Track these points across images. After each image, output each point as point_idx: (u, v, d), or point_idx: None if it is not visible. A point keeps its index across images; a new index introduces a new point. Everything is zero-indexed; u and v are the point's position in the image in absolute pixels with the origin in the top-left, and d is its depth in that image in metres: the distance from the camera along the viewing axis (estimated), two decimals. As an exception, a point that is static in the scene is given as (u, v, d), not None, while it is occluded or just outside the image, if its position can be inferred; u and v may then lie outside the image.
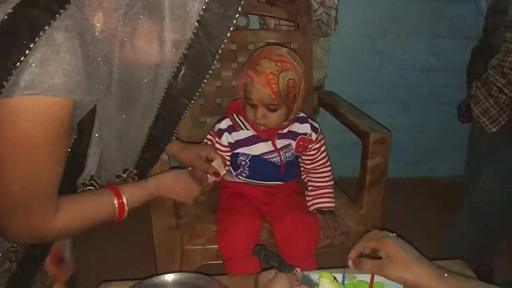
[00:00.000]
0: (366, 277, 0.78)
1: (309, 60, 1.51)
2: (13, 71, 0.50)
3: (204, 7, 0.57)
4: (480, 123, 1.43)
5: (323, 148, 1.20)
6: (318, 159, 1.20)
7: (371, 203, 1.25)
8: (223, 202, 1.17)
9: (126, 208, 0.75)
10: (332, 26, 1.60)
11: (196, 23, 0.58)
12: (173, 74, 0.63)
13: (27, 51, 0.50)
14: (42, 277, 0.83)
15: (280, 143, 1.13)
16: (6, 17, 0.51)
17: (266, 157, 1.13)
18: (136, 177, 0.83)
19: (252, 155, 1.12)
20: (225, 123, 1.14)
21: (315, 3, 1.53)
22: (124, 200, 0.74)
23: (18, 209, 0.61)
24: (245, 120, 1.11)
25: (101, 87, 0.62)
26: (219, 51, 0.61)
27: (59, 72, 0.52)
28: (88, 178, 0.75)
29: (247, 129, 1.12)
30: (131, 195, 0.76)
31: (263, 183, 1.17)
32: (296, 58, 1.05)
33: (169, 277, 0.75)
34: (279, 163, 1.14)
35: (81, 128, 0.66)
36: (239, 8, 0.59)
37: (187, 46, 0.60)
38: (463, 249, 1.44)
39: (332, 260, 1.25)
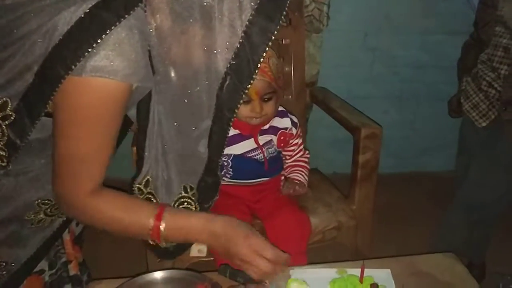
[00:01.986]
0: (357, 271, 0.79)
1: (302, 56, 1.51)
2: (81, 58, 0.62)
3: (250, 19, 0.66)
4: (470, 118, 1.43)
5: (301, 141, 1.22)
6: (296, 152, 1.22)
7: (362, 198, 1.26)
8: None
9: (161, 234, 0.71)
10: (324, 21, 1.60)
11: (243, 33, 0.66)
12: (219, 85, 0.70)
13: (94, 45, 0.62)
14: (60, 252, 0.91)
15: (262, 139, 1.13)
16: (83, 15, 0.63)
17: (249, 155, 1.13)
18: (196, 202, 0.82)
19: (234, 155, 1.12)
20: None
21: (307, -1, 1.53)
22: (162, 225, 0.70)
23: (67, 174, 0.70)
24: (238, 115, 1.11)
25: (158, 77, 0.71)
26: (261, 60, 0.68)
27: (119, 61, 0.63)
28: (144, 182, 0.78)
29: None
30: (174, 223, 0.71)
31: (249, 181, 1.16)
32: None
33: (159, 275, 0.76)
34: (263, 160, 1.14)
35: (139, 123, 0.75)
36: (280, 22, 0.67)
37: (233, 55, 0.68)
38: (455, 243, 1.45)
39: (323, 255, 1.27)
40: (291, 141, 1.19)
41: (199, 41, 0.68)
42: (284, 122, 1.16)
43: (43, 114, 0.68)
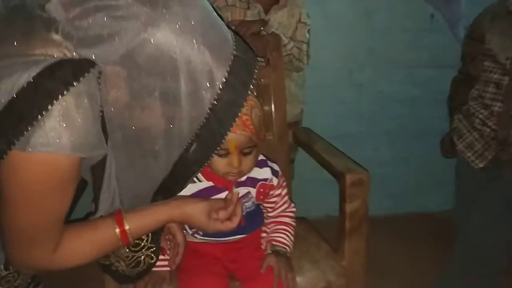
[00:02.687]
0: None
1: (282, 95, 1.43)
2: (25, 133, 0.58)
3: (216, 97, 0.66)
4: (466, 158, 1.33)
5: (284, 191, 1.09)
6: (280, 204, 1.09)
7: (353, 252, 1.13)
8: (185, 260, 1.03)
9: (129, 237, 0.75)
10: (304, 60, 1.54)
11: (208, 110, 0.67)
12: (185, 147, 0.70)
13: (39, 117, 0.58)
14: None
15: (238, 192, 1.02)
16: (25, 85, 0.58)
17: None
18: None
19: None
20: None
21: (285, 38, 1.47)
22: (127, 228, 0.74)
23: (21, 243, 0.67)
24: (213, 169, 1.00)
25: (112, 143, 0.69)
26: (228, 132, 0.71)
27: (67, 134, 0.60)
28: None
29: (200, 181, 1.01)
30: (136, 222, 0.75)
31: (224, 239, 1.04)
32: (252, 91, 0.97)
33: None
34: None
35: (93, 173, 0.73)
36: (247, 96, 0.69)
37: (199, 127, 0.68)
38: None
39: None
40: (271, 193, 1.07)
41: (160, 114, 0.66)
42: (263, 173, 1.04)
43: None
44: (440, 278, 1.43)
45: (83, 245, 0.72)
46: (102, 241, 0.73)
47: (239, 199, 0.86)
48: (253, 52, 0.74)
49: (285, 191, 1.10)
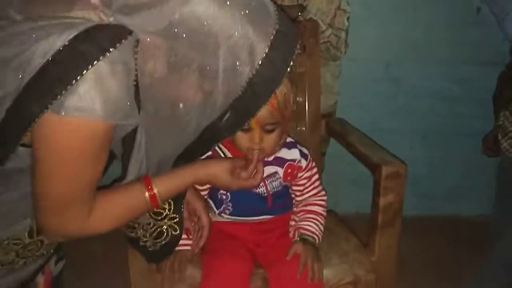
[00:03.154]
0: None
1: (317, 85, 1.38)
2: (59, 96, 0.57)
3: (254, 72, 0.64)
4: (510, 157, 1.25)
5: (315, 177, 1.06)
6: (309, 189, 1.06)
7: (384, 247, 1.08)
8: (209, 242, 1.01)
9: (158, 200, 0.77)
10: (342, 49, 1.48)
11: (245, 84, 0.65)
12: (219, 115, 0.69)
13: (73, 82, 0.57)
14: None
15: (265, 171, 0.98)
16: (61, 48, 0.57)
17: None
18: None
19: None
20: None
21: (323, 24, 1.42)
22: (156, 191, 0.76)
23: (54, 209, 0.67)
24: (226, 148, 0.97)
25: (145, 113, 0.68)
26: (264, 106, 0.70)
27: (100, 100, 0.59)
28: None
29: (225, 157, 0.99)
30: (164, 185, 0.77)
31: (250, 218, 1.02)
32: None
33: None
34: (265, 194, 1.00)
35: (124, 141, 0.73)
36: (286, 72, 0.67)
37: (234, 99, 0.67)
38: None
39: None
40: (299, 175, 1.04)
41: (196, 87, 0.65)
42: (292, 154, 1.02)
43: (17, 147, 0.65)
44: (474, 286, 1.36)
45: (114, 210, 0.73)
46: (133, 205, 0.75)
47: (258, 156, 0.87)
48: (297, 27, 0.72)
49: (315, 176, 1.07)
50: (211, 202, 1.03)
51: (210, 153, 0.98)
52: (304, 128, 1.37)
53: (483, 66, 1.93)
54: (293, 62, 0.67)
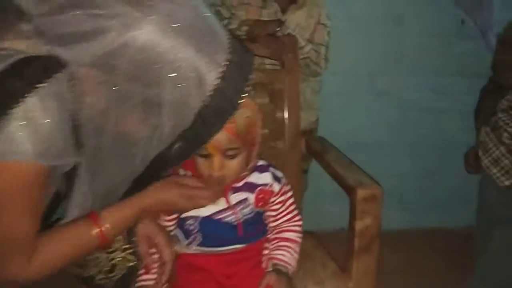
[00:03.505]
0: None
1: (297, 101, 1.35)
2: None
3: (203, 104, 0.61)
4: (491, 175, 1.22)
5: (289, 201, 1.01)
6: (283, 214, 1.00)
7: (361, 273, 1.04)
8: (178, 276, 0.97)
9: (108, 236, 0.72)
10: (322, 64, 1.46)
11: (194, 116, 0.62)
12: (167, 146, 0.66)
13: (0, 120, 0.54)
14: None
15: (234, 198, 0.94)
16: None
17: (219, 216, 0.93)
18: None
19: (201, 217, 0.93)
20: None
21: (302, 40, 1.40)
22: (104, 228, 0.71)
23: None
24: (194, 175, 0.93)
25: (85, 150, 0.64)
26: (216, 134, 0.67)
27: (30, 140, 0.56)
28: None
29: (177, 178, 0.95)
30: (113, 219, 0.72)
31: (221, 249, 0.97)
32: (250, 96, 0.89)
33: None
34: (236, 223, 0.95)
35: (66, 177, 0.69)
36: (239, 103, 0.65)
37: (184, 130, 0.63)
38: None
39: None
40: (272, 200, 1.00)
41: (141, 122, 0.62)
42: (263, 178, 0.97)
43: None
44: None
45: (59, 252, 0.68)
46: (80, 244, 0.70)
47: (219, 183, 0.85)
48: (251, 55, 0.68)
49: (290, 200, 1.02)
50: (180, 232, 0.99)
51: None
52: (283, 146, 1.34)
53: (469, 77, 1.92)
54: (245, 93, 0.64)
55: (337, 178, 1.13)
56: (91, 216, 0.71)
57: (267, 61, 1.45)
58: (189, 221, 0.94)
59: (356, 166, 1.16)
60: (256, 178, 0.97)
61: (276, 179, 0.99)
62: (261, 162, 1.00)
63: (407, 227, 2.09)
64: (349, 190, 1.05)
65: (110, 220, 0.71)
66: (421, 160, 2.08)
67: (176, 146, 0.65)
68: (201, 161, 0.86)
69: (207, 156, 0.84)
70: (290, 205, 1.03)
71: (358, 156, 1.94)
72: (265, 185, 0.97)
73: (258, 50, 1.35)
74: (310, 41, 1.44)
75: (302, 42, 1.40)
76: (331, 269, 1.08)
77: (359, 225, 1.02)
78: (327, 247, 1.18)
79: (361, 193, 1.01)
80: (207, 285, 0.93)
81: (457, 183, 2.09)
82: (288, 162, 1.33)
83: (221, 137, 0.80)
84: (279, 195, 1.00)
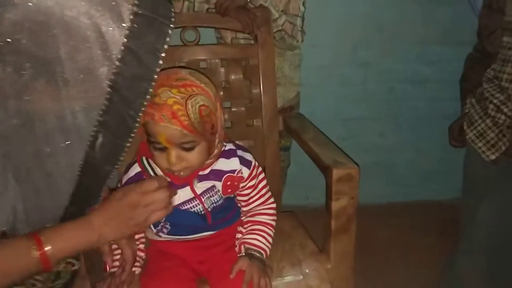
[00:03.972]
0: None
1: (272, 77, 1.29)
2: None
3: (114, 71, 0.54)
4: (476, 149, 1.17)
5: (261, 184, 0.97)
6: (255, 198, 0.97)
7: (339, 254, 1.01)
8: (149, 263, 0.94)
9: (51, 260, 0.61)
10: (298, 37, 1.38)
11: (108, 89, 0.55)
12: (89, 143, 0.59)
13: None
14: None
15: (200, 187, 0.90)
16: None
17: (186, 206, 0.90)
18: None
19: None
20: (133, 170, 0.90)
21: (275, 12, 1.32)
22: (47, 248, 0.61)
23: None
24: (156, 164, 0.88)
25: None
26: (140, 114, 0.59)
27: None
28: None
29: (155, 174, 0.89)
30: (57, 240, 0.62)
31: (190, 237, 0.94)
32: (203, 79, 0.82)
33: None
34: (203, 212, 0.91)
35: None
36: (157, 69, 0.57)
37: (101, 112, 0.56)
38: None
39: None
40: (242, 185, 0.95)
41: (48, 99, 0.54)
42: (231, 164, 0.92)
43: None
44: (446, 270, 1.31)
45: None
46: (19, 265, 0.60)
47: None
48: (167, 6, 0.57)
49: (262, 182, 0.98)
50: None
51: (139, 170, 0.89)
52: (260, 124, 1.29)
53: (455, 46, 1.86)
54: (164, 53, 0.56)
55: (314, 157, 1.09)
56: (33, 236, 0.62)
57: (241, 35, 1.38)
58: None
59: (333, 145, 1.11)
60: (223, 164, 0.92)
61: (245, 163, 0.94)
62: (228, 147, 0.94)
63: (396, 200, 2.07)
64: (325, 170, 1.01)
65: (54, 242, 0.62)
66: (407, 132, 2.04)
67: (99, 141, 0.57)
68: (157, 154, 0.81)
69: (163, 150, 0.79)
70: (263, 187, 0.99)
71: (343, 131, 1.90)
72: (233, 171, 0.93)
73: (229, 24, 1.28)
74: (284, 12, 1.36)
75: (275, 14, 1.32)
76: (309, 250, 1.05)
77: (335, 205, 0.98)
78: (312, 223, 1.16)
79: (336, 173, 0.96)
80: (179, 271, 0.90)
81: (445, 154, 2.06)
82: (266, 141, 1.29)
83: (173, 132, 0.76)
84: (249, 179, 0.95)
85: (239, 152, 0.94)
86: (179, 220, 0.91)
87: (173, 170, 0.81)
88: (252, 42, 1.31)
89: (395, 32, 1.86)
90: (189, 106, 0.75)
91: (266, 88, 1.29)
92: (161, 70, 0.62)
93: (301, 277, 0.98)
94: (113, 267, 0.84)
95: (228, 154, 0.93)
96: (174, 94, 0.74)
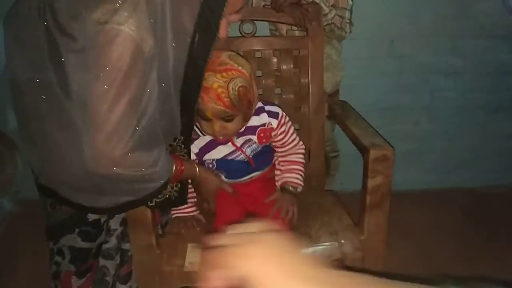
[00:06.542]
0: None
1: (320, 67, 1.41)
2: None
3: None
4: None
5: (291, 130, 1.18)
6: (288, 141, 1.18)
7: (373, 227, 1.14)
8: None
9: (182, 175, 0.97)
10: (346, 29, 1.50)
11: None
12: (190, 39, 0.83)
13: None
14: None
15: (239, 141, 1.11)
16: None
17: (232, 157, 1.12)
18: (183, 145, 1.02)
19: (217, 159, 1.12)
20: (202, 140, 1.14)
21: (326, 7, 1.44)
22: (183, 167, 0.96)
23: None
24: (203, 130, 1.09)
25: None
26: (220, 21, 0.84)
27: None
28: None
29: (204, 135, 1.10)
30: (186, 167, 0.98)
31: (240, 180, 1.16)
32: (240, 61, 1.01)
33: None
34: (246, 159, 1.12)
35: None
36: None
37: (196, 17, 0.82)
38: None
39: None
40: (273, 133, 1.15)
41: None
42: (261, 119, 1.12)
43: None
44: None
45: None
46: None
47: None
48: None
49: (291, 129, 1.18)
50: None
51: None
52: (307, 110, 1.41)
53: (487, 39, 1.92)
54: None
55: (354, 139, 1.22)
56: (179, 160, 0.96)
57: (295, 28, 1.50)
58: (208, 162, 1.13)
59: (372, 129, 1.23)
60: (254, 121, 1.12)
61: (273, 115, 1.13)
62: (258, 105, 1.12)
63: (428, 187, 2.14)
64: (363, 151, 1.13)
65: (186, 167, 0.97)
66: (440, 121, 2.12)
67: (196, 38, 0.83)
68: (204, 123, 1.03)
69: (209, 120, 1.00)
70: (293, 133, 1.19)
71: (379, 120, 2.01)
72: (264, 124, 1.12)
73: (283, 18, 1.40)
74: (334, 6, 1.47)
75: (326, 9, 1.43)
76: (345, 223, 1.19)
77: (371, 183, 1.11)
78: (347, 205, 1.28)
79: (373, 153, 1.09)
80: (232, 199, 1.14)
81: (476, 143, 2.14)
82: (312, 126, 1.41)
83: (218, 109, 0.97)
84: (278, 127, 1.14)
85: (267, 108, 1.13)
86: (230, 167, 1.13)
87: (215, 136, 1.03)
88: (304, 34, 1.43)
89: (428, 27, 1.93)
90: (230, 89, 0.94)
91: (314, 78, 1.40)
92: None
93: (337, 245, 1.12)
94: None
95: (258, 111, 1.11)
96: (218, 78, 0.94)
